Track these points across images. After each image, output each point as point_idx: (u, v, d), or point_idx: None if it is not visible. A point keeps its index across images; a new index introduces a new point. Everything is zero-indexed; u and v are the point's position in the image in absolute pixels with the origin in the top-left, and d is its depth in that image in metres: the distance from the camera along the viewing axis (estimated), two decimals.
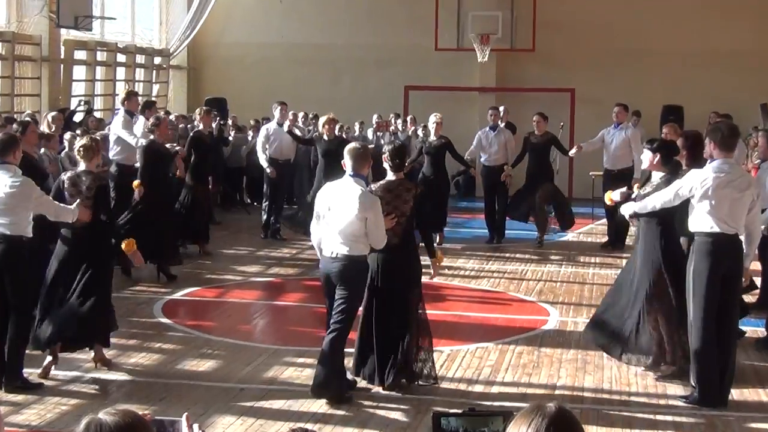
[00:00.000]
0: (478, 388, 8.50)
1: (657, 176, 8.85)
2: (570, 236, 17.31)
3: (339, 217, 7.90)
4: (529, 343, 10.01)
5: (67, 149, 15.53)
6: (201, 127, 15.42)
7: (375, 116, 21.77)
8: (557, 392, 8.44)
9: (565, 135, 20.36)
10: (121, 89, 21.50)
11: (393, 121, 22.21)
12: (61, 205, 8.52)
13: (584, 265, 14.52)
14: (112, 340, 9.40)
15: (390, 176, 8.44)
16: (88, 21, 18.71)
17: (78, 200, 8.56)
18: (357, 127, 22.16)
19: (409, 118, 21.83)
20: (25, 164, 9.87)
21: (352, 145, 8.33)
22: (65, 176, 8.89)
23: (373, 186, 8.33)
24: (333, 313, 8.02)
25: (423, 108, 20.84)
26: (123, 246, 8.86)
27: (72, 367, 8.87)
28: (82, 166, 8.89)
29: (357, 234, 7.87)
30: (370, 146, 12.64)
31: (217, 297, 12.37)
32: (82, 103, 19.48)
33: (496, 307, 11.99)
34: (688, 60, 23.50)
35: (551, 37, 23.73)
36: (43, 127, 15.58)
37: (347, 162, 8.02)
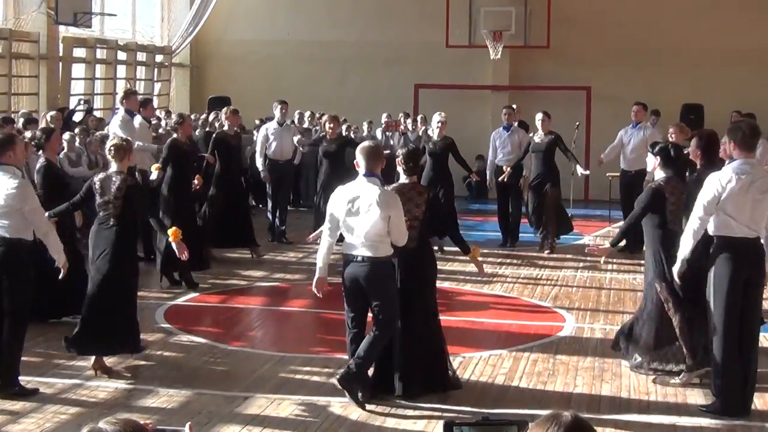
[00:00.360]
0: (491, 397, 8.49)
1: (658, 176, 9.02)
2: (586, 239, 17.29)
3: (361, 220, 7.91)
4: (544, 350, 9.99)
5: (66, 150, 15.58)
6: (226, 127, 15.29)
7: (384, 116, 21.76)
8: (574, 401, 8.43)
9: (581, 135, 20.36)
10: (121, 88, 21.56)
11: (402, 120, 22.20)
12: (55, 233, 8.41)
13: (601, 270, 14.47)
14: None
15: (403, 179, 8.55)
16: (87, 18, 18.76)
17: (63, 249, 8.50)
18: (365, 126, 22.18)
19: (419, 118, 21.81)
20: (48, 172, 10.34)
21: (365, 144, 8.33)
22: (96, 178, 9.14)
23: (386, 189, 8.38)
24: (374, 320, 8.06)
25: (433, 107, 20.81)
26: (170, 235, 9.02)
27: (72, 374, 8.88)
28: (113, 167, 9.09)
29: (382, 234, 7.92)
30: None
31: (220, 302, 12.37)
32: (82, 102, 19.52)
33: (509, 313, 11.97)
34: (710, 57, 23.45)
35: (566, 33, 23.72)
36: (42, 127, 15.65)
37: (360, 161, 8.04)
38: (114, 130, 14.07)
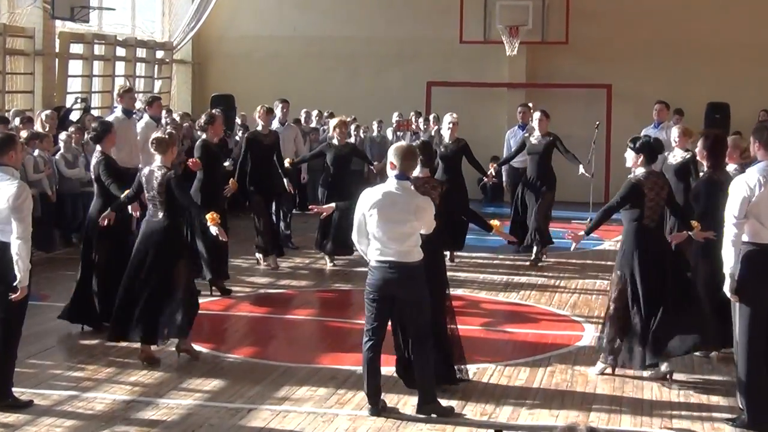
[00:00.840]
0: (507, 410, 8.48)
1: (639, 171, 9.32)
2: (606, 245, 17.25)
3: (393, 225, 7.90)
4: (562, 361, 9.99)
5: (62, 150, 15.62)
6: (260, 127, 14.93)
7: (395, 115, 21.77)
8: (593, 414, 8.42)
9: (601, 135, 20.33)
10: (119, 85, 21.55)
11: (414, 119, 22.21)
12: (29, 248, 8.24)
13: None
14: (111, 358, 9.76)
15: (417, 173, 8.68)
16: (85, 12, 18.79)
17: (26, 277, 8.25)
18: (375, 126, 22.17)
19: (431, 117, 21.84)
20: (110, 163, 10.84)
21: (401, 144, 8.33)
22: (142, 172, 9.93)
23: (417, 192, 8.62)
24: (410, 329, 8.11)
25: (446, 105, 20.83)
26: (207, 219, 9.44)
27: (67, 386, 8.91)
28: (157, 160, 9.78)
29: (415, 238, 7.99)
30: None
31: (223, 310, 12.37)
32: (79, 100, 19.57)
33: (526, 322, 11.95)
34: (737, 53, 23.40)
35: (586, 28, 23.70)
36: (37, 127, 15.69)
37: (395, 162, 8.03)
38: None
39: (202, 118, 13.14)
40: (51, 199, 15.11)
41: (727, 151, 9.99)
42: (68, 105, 19.12)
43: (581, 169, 15.87)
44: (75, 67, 20.70)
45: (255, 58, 25.43)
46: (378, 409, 8.22)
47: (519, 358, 10.07)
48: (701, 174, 10.94)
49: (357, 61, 25.15)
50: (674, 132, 12.41)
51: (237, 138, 20.89)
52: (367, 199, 8.06)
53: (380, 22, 24.99)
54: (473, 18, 24.06)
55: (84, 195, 15.85)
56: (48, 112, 16.36)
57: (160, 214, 9.70)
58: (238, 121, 21.55)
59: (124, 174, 11.18)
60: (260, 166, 14.68)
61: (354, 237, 8.23)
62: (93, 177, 11.16)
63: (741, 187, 7.89)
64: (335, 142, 14.91)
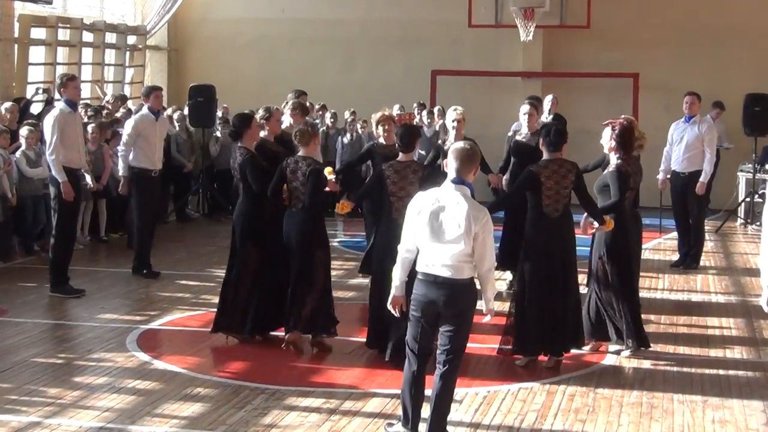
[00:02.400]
0: None
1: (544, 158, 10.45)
2: None
3: (443, 235, 7.84)
4: (582, 383, 10.01)
5: (23, 147, 15.62)
6: (285, 124, 13.33)
7: (396, 107, 21.76)
8: None
9: None
10: (88, 74, 21.58)
11: (417, 113, 22.22)
12: None
13: (650, 289, 14.46)
14: (77, 379, 9.78)
15: (399, 156, 10.45)
16: None
17: None
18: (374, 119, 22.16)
19: (436, 110, 21.84)
20: (256, 162, 11.30)
21: (460, 144, 8.16)
22: (287, 163, 10.91)
23: (383, 165, 10.45)
24: (441, 350, 8.05)
25: (453, 97, 20.85)
26: (337, 209, 10.73)
27: (28, 411, 8.91)
28: (301, 151, 10.92)
29: (467, 254, 7.85)
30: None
31: (203, 326, 12.32)
32: (40, 91, 19.58)
33: None
34: None
35: (610, 11, 23.75)
36: None
37: (451, 164, 7.96)
38: (46, 130, 13.38)
39: (259, 112, 12.19)
40: (11, 201, 15.13)
41: (635, 141, 11.01)
42: (29, 96, 19.15)
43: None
44: (37, 53, 20.73)
45: (238, 44, 25.46)
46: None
47: (535, 380, 10.10)
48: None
49: (353, 46, 25.18)
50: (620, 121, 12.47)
51: (218, 134, 20.91)
52: (418, 204, 8.00)
53: (379, 3, 25.02)
54: None
55: (47, 197, 15.78)
56: (9, 104, 16.38)
57: (300, 206, 10.89)
58: (219, 114, 21.51)
59: (268, 171, 11.23)
60: None
61: (401, 245, 8.12)
62: (238, 176, 11.40)
63: None
64: (382, 141, 13.66)
